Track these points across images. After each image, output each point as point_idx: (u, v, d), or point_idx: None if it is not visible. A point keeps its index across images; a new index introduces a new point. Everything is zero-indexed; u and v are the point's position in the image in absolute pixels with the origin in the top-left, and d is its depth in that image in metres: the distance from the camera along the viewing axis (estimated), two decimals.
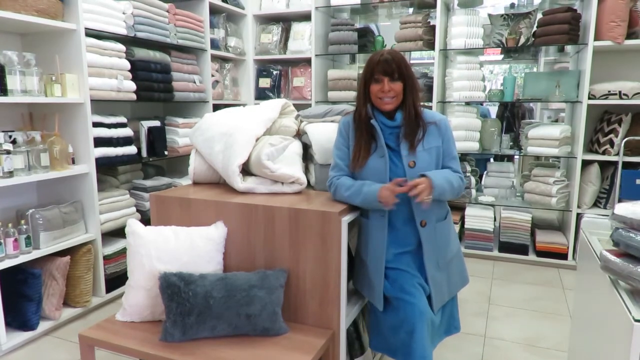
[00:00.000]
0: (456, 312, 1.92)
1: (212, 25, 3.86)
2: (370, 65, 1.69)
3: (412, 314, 1.63)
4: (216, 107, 3.57)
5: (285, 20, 4.29)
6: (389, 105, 1.70)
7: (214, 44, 3.87)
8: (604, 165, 3.50)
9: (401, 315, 1.65)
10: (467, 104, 3.77)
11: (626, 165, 3.30)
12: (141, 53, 3.06)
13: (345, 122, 1.82)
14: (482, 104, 4.77)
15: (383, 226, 1.72)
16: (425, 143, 1.71)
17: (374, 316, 1.80)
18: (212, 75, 3.84)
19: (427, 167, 1.69)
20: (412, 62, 6.49)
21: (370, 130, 1.74)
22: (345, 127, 1.81)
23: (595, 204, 3.56)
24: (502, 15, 3.71)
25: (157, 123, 3.30)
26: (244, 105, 3.46)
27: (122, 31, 2.89)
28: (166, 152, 3.37)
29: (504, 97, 3.69)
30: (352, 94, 4.03)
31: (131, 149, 3.01)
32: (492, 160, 4.64)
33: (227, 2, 4.00)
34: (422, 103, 1.79)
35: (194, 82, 3.61)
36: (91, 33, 2.69)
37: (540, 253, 3.64)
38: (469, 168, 3.84)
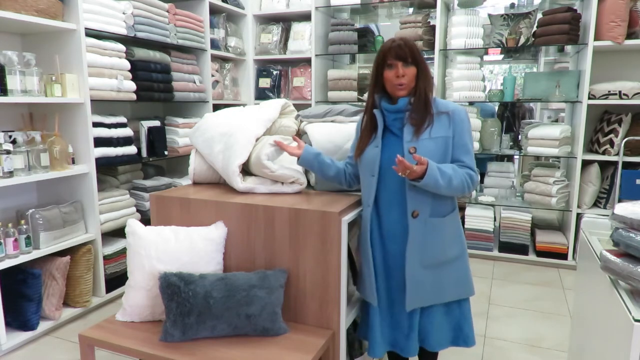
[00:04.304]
0: (466, 326, 1.77)
1: (212, 25, 3.86)
2: (382, 52, 1.64)
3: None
4: (216, 107, 3.57)
5: (285, 20, 4.29)
6: (403, 91, 1.62)
7: (214, 44, 3.87)
8: (604, 165, 3.50)
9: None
10: (471, 104, 3.77)
11: (626, 165, 3.31)
12: (141, 53, 3.06)
13: (362, 116, 1.79)
14: (487, 102, 4.75)
15: (367, 217, 1.70)
16: (432, 131, 1.61)
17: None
18: (212, 75, 3.85)
19: (431, 156, 1.57)
20: None
21: (373, 120, 1.70)
22: (360, 119, 1.79)
23: (595, 204, 3.55)
24: (502, 15, 3.71)
25: (157, 123, 3.30)
26: (244, 105, 3.46)
27: (122, 31, 2.89)
28: (166, 152, 3.37)
29: (504, 97, 3.69)
30: (352, 94, 4.04)
31: (131, 149, 3.01)
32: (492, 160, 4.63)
33: (227, 2, 4.00)
34: None
35: (194, 82, 3.62)
36: (91, 33, 2.69)
37: (540, 253, 3.64)
38: None
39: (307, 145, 1.86)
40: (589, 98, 3.35)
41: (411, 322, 1.71)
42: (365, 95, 3.99)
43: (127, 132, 2.99)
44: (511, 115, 5.36)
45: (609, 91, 3.31)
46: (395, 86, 1.62)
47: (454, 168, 1.59)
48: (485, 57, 5.02)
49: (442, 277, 1.69)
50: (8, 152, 2.31)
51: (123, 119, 2.98)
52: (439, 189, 1.56)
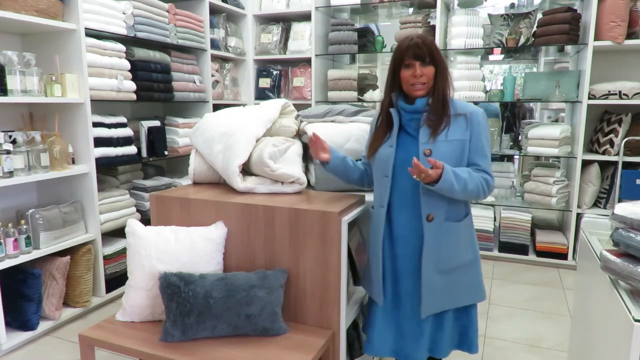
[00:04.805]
0: (471, 331, 1.74)
1: (212, 25, 3.86)
2: (399, 51, 1.57)
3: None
4: (216, 107, 3.57)
5: (285, 20, 4.29)
6: (420, 91, 1.58)
7: (214, 44, 3.87)
8: (604, 165, 3.50)
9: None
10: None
11: (626, 165, 3.31)
12: (141, 53, 3.06)
13: (376, 113, 1.77)
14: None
15: (380, 217, 1.66)
16: (449, 134, 1.56)
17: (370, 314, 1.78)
18: (212, 75, 3.85)
19: (446, 159, 1.52)
20: None
21: (388, 119, 1.66)
22: (375, 118, 1.76)
23: (595, 204, 3.56)
24: (502, 15, 3.71)
25: (157, 123, 3.30)
26: (244, 105, 3.46)
27: (122, 31, 2.89)
28: (166, 152, 3.37)
29: (504, 97, 3.69)
30: (352, 94, 4.04)
31: (131, 149, 3.01)
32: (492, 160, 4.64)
33: (227, 2, 4.01)
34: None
35: (194, 82, 3.62)
36: (91, 33, 2.70)
37: (540, 253, 3.64)
38: None
39: (333, 148, 1.79)
40: (589, 98, 3.35)
41: (421, 329, 1.66)
42: (365, 95, 4.03)
43: (127, 132, 2.99)
44: (511, 115, 5.36)
45: (609, 91, 3.31)
46: (413, 86, 1.58)
47: (470, 172, 1.55)
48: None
49: (456, 282, 1.66)
50: (8, 152, 2.31)
51: (123, 119, 2.98)
52: (454, 193, 1.52)
